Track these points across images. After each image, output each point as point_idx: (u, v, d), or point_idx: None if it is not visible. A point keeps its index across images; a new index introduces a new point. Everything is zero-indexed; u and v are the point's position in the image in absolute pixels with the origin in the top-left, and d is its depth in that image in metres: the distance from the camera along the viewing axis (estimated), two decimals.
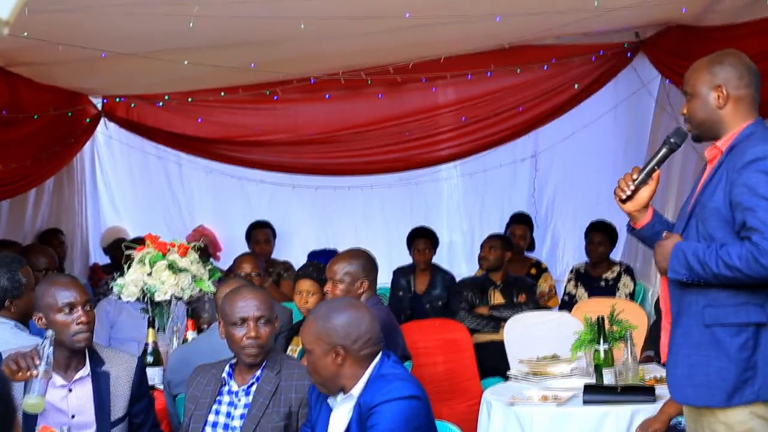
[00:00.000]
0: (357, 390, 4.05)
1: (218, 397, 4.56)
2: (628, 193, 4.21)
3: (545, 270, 9.04)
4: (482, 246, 8.43)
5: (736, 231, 3.83)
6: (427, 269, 8.95)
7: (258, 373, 4.53)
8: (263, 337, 4.52)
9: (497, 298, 8.18)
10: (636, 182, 4.20)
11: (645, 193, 4.22)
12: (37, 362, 4.18)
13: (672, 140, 4.20)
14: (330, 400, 4.16)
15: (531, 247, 9.44)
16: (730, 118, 4.04)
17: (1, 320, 5.24)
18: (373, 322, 4.11)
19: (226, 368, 4.60)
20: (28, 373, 4.17)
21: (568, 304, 8.39)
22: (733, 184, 3.85)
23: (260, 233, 9.53)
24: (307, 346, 4.08)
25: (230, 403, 4.54)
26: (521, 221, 9.38)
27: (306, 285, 6.39)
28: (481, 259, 8.41)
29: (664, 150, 4.20)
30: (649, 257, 8.38)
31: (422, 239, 8.96)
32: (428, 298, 8.81)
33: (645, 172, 4.20)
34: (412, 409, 3.92)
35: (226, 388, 4.57)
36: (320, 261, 7.86)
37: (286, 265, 9.35)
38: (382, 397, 3.90)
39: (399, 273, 9.03)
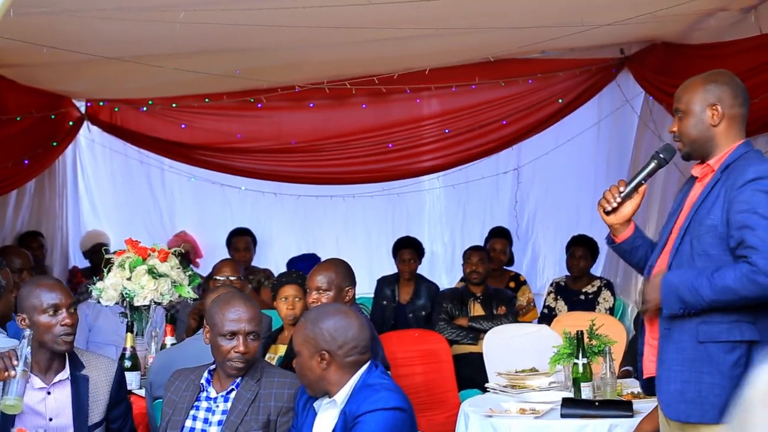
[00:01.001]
0: (341, 397, 4.08)
1: (196, 403, 4.52)
2: (614, 205, 4.19)
3: (524, 283, 9.06)
4: (468, 259, 8.40)
5: (732, 248, 3.84)
6: (411, 279, 8.93)
7: (238, 380, 4.50)
8: (252, 351, 4.48)
9: (477, 309, 8.18)
10: (623, 194, 4.18)
11: (629, 206, 4.21)
12: (15, 363, 4.16)
13: (661, 155, 4.20)
14: (316, 404, 4.18)
15: (510, 261, 9.45)
16: (722, 136, 4.05)
17: None
18: (362, 331, 4.14)
19: (205, 374, 4.56)
20: (6, 374, 4.15)
21: (547, 317, 8.40)
22: (732, 202, 3.86)
23: (240, 241, 9.53)
24: (297, 348, 4.14)
25: (208, 409, 4.50)
26: (501, 235, 9.39)
27: (292, 290, 6.39)
28: (471, 272, 8.35)
29: (652, 164, 4.19)
30: (630, 272, 8.44)
31: (408, 249, 8.96)
32: (412, 308, 8.76)
33: (632, 185, 4.18)
34: (396, 421, 3.95)
35: (204, 394, 4.53)
36: (300, 267, 7.89)
37: (267, 273, 9.32)
38: (367, 407, 3.93)
39: (383, 282, 9.00)
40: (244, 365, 4.47)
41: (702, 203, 3.98)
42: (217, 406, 4.49)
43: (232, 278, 6.96)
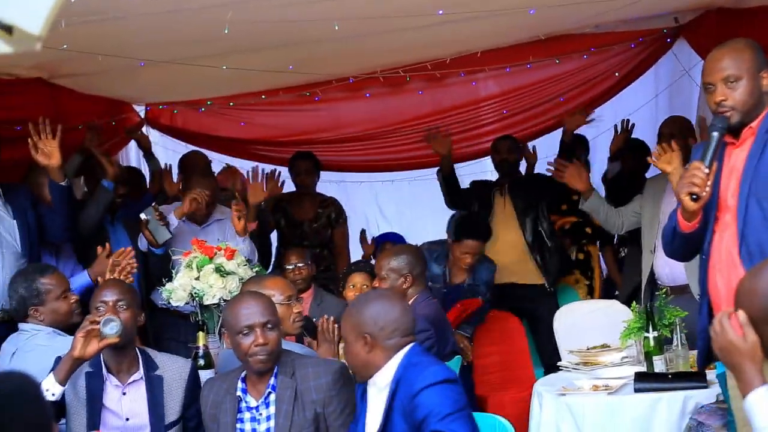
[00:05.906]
0: (383, 379, 4.10)
1: (239, 415, 4.49)
2: (708, 188, 4.06)
3: None
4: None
5: None
6: None
7: (272, 381, 4.47)
8: (272, 341, 4.46)
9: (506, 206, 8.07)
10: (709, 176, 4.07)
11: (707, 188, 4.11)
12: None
13: (719, 125, 4.11)
14: (369, 390, 4.21)
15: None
16: (765, 99, 4.09)
17: (35, 327, 5.35)
18: (404, 314, 4.17)
19: (239, 384, 4.53)
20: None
21: None
22: None
23: (301, 164, 8.86)
24: (343, 333, 4.22)
25: (252, 419, 4.48)
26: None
27: (360, 278, 6.57)
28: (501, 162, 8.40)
29: (716, 136, 4.08)
30: None
31: None
32: None
33: (708, 163, 4.04)
34: (453, 391, 3.97)
35: (244, 404, 4.51)
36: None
37: (338, 208, 8.89)
38: (422, 383, 3.94)
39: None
40: (268, 357, 4.43)
41: (758, 163, 3.96)
42: (260, 414, 4.46)
43: (300, 265, 7.08)
